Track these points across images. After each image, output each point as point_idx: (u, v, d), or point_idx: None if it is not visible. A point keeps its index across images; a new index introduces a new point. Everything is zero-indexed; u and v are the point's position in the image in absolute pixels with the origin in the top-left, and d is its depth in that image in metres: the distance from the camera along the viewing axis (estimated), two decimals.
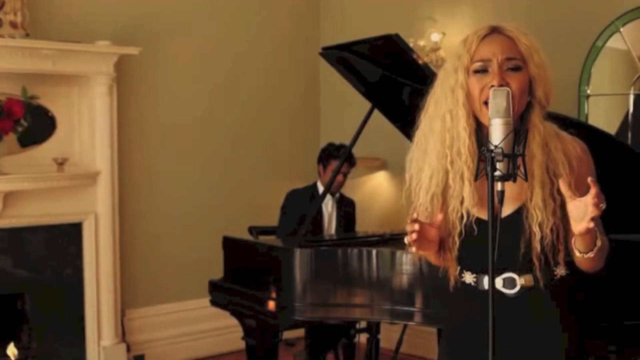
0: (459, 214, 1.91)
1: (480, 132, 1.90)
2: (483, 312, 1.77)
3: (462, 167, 1.89)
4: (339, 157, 4.57)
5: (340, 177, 4.59)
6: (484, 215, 1.89)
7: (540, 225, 1.85)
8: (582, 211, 1.70)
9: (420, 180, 1.97)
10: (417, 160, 1.99)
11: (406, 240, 1.83)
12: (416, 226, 1.80)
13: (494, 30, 1.90)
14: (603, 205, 1.68)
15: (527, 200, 1.87)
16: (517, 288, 1.92)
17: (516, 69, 1.86)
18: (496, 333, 1.70)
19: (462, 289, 2.00)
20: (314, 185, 4.78)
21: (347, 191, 5.09)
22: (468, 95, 1.88)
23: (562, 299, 1.95)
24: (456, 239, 1.94)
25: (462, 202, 1.91)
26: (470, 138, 1.88)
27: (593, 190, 1.67)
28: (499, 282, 1.90)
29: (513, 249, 1.88)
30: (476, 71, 1.87)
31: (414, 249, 1.84)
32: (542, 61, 1.88)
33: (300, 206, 4.56)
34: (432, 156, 1.94)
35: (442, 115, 1.92)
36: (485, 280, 1.93)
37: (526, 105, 1.89)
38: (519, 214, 1.88)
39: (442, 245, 1.99)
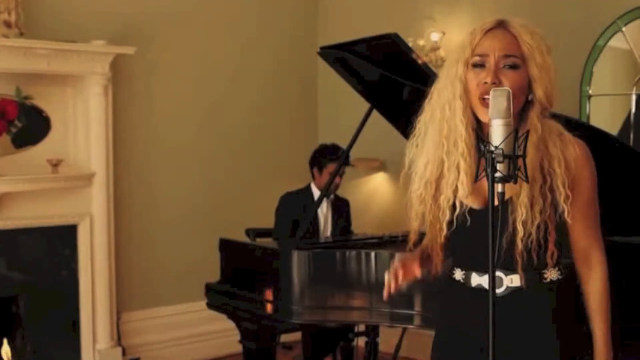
0: (450, 203, 1.92)
1: (478, 124, 1.89)
2: (471, 310, 1.75)
3: (458, 158, 1.88)
4: (335, 159, 4.50)
5: (337, 179, 4.53)
6: (477, 204, 1.91)
7: (525, 223, 1.84)
8: None
9: (417, 166, 1.99)
10: (416, 146, 2.00)
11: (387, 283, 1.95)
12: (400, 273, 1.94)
13: (500, 25, 1.88)
14: None
15: (514, 196, 1.85)
16: (503, 287, 1.90)
17: (513, 67, 1.84)
18: (484, 333, 1.67)
19: (452, 286, 2.00)
20: (308, 188, 4.70)
21: (345, 192, 5.05)
22: (466, 89, 1.87)
23: (555, 302, 1.91)
24: (444, 226, 1.95)
25: (455, 192, 1.90)
26: (467, 130, 1.87)
27: None
28: (484, 281, 1.90)
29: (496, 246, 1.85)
30: (474, 65, 1.86)
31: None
32: (544, 62, 1.86)
33: (295, 209, 4.50)
34: (430, 144, 1.96)
35: (442, 105, 1.92)
36: (473, 277, 1.94)
37: (526, 103, 1.87)
38: (505, 208, 1.84)
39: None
